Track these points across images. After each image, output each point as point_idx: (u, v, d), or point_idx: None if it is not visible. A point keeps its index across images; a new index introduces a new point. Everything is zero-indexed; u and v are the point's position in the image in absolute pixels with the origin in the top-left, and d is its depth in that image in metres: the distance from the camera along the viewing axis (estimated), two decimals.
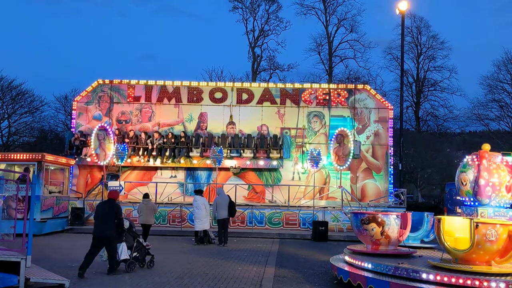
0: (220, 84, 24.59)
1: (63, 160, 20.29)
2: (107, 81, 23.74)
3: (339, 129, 21.55)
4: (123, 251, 9.93)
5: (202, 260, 11.86)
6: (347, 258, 9.27)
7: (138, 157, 21.99)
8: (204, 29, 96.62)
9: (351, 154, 21.18)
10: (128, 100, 23.46)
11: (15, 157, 18.79)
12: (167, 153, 21.90)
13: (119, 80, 23.72)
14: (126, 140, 21.96)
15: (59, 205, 19.15)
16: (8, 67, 50.81)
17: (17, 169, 18.11)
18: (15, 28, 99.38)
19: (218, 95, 23.39)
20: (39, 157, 18.02)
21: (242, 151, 21.99)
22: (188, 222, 19.48)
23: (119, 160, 20.83)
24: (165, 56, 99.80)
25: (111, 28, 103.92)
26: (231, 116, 23.17)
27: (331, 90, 23.36)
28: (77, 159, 21.97)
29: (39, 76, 55.55)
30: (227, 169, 22.01)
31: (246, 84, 24.79)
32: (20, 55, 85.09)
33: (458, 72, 41.55)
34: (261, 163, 21.91)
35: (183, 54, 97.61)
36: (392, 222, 9.05)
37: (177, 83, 23.55)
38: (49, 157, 18.78)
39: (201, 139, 22.32)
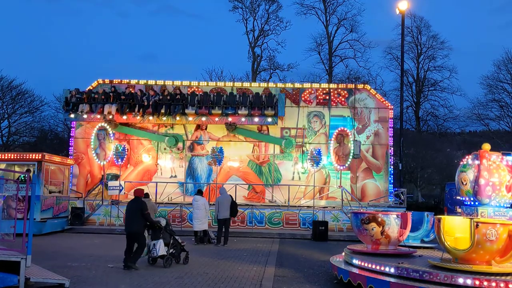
0: (220, 84, 24.59)
1: (63, 159, 20.30)
2: (107, 80, 23.74)
3: (339, 128, 21.55)
4: (161, 248, 10.62)
5: (202, 259, 11.86)
6: (347, 257, 9.27)
7: (133, 114, 21.89)
8: (204, 29, 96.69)
9: (351, 154, 21.19)
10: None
11: (15, 157, 18.78)
12: (163, 110, 21.75)
13: (119, 80, 23.72)
14: (122, 97, 22.03)
15: (59, 205, 19.15)
16: (8, 67, 50.87)
17: (17, 168, 18.11)
18: (15, 28, 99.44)
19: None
20: (39, 157, 18.03)
21: (237, 108, 21.87)
22: (188, 222, 19.49)
23: (119, 160, 20.86)
24: (165, 56, 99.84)
25: (111, 28, 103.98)
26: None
27: (331, 90, 23.35)
28: (73, 116, 22.11)
29: (39, 76, 55.62)
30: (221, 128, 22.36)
31: (246, 84, 24.83)
32: (20, 55, 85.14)
33: (458, 72, 41.59)
34: (256, 120, 21.89)
35: (183, 54, 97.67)
36: (392, 222, 9.05)
37: (177, 82, 23.54)
38: (49, 157, 18.79)
39: (196, 97, 22.18)
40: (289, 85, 24.30)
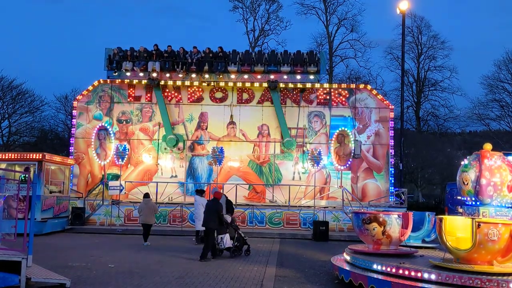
0: (221, 83, 24.56)
1: (63, 159, 20.32)
2: (107, 80, 23.71)
3: (340, 129, 21.53)
4: (227, 241, 12.35)
5: (203, 260, 11.83)
6: (348, 258, 9.26)
7: (177, 71, 22.25)
8: (204, 29, 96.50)
9: (352, 154, 21.16)
10: (128, 99, 23.43)
11: (15, 157, 18.78)
12: (206, 67, 22.03)
13: (120, 80, 23.69)
14: (165, 55, 22.32)
15: (59, 205, 19.16)
16: (8, 67, 50.75)
17: (17, 168, 18.11)
18: (15, 28, 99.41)
19: (219, 95, 23.35)
20: (40, 157, 18.03)
21: (279, 66, 22.13)
22: (188, 221, 19.48)
23: (120, 160, 20.86)
24: None
25: (114, 28, 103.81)
26: (231, 116, 23.14)
27: (332, 90, 23.32)
28: (116, 74, 22.63)
29: (39, 76, 55.51)
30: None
31: (246, 84, 24.75)
32: (21, 55, 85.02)
33: (458, 72, 41.55)
34: (298, 77, 22.30)
35: None
36: (393, 222, 9.04)
37: (177, 83, 23.50)
38: (50, 157, 18.79)
39: (238, 55, 22.61)
40: (290, 85, 24.25)
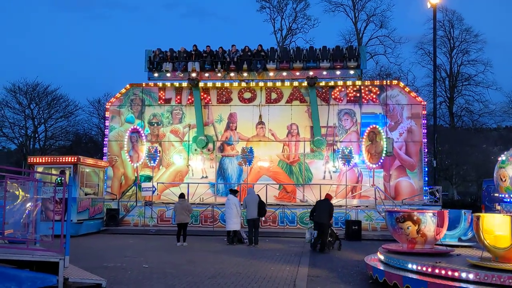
0: (249, 84, 24.60)
1: (98, 162, 20.76)
2: (138, 84, 24.10)
3: (371, 126, 21.21)
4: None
5: (235, 260, 11.88)
6: (382, 257, 9.11)
7: (216, 70, 22.38)
8: (232, 30, 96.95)
9: (384, 152, 20.82)
10: (159, 102, 23.75)
11: (51, 161, 19.29)
12: (245, 66, 22.10)
13: (148, 83, 24.05)
14: (204, 55, 22.54)
15: (94, 207, 19.57)
16: (44, 73, 52.24)
17: (53, 172, 18.59)
18: (48, 36, 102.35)
19: (247, 95, 23.39)
20: (75, 160, 18.47)
21: (318, 61, 22.00)
22: (220, 222, 19.57)
23: (152, 162, 21.18)
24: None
25: (142, 33, 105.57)
26: (260, 116, 23.15)
27: (362, 87, 23.03)
28: (156, 75, 22.96)
29: (72, 81, 56.95)
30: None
31: (277, 84, 24.67)
32: (54, 62, 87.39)
33: (493, 66, 40.30)
34: (338, 73, 22.07)
35: None
36: (428, 220, 8.84)
37: (207, 84, 23.67)
38: (84, 160, 19.23)
39: (276, 53, 22.64)
40: (330, 83, 23.96)
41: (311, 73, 21.91)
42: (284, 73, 22.39)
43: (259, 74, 22.29)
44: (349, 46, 22.68)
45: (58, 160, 19.17)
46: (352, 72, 21.99)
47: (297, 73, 22.37)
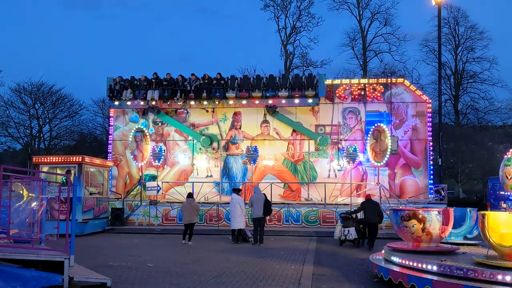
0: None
1: (102, 162, 20.81)
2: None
3: (376, 124, 21.15)
4: (353, 233, 14.66)
5: (240, 258, 11.88)
6: (387, 255, 9.08)
7: (175, 99, 22.16)
8: (236, 29, 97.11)
9: (389, 150, 20.75)
10: None
11: (56, 160, 19.37)
12: (204, 94, 21.93)
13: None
14: (164, 83, 22.38)
15: (99, 206, 19.64)
16: (48, 73, 52.39)
17: (59, 171, 18.66)
18: (54, 35, 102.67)
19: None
20: (79, 160, 18.53)
21: (277, 90, 21.83)
22: (225, 221, 19.59)
23: (157, 161, 21.24)
24: (199, 58, 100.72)
25: (148, 32, 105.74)
26: (264, 115, 23.12)
27: (366, 85, 22.96)
28: (117, 103, 22.70)
29: (77, 81, 57.10)
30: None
31: None
32: (59, 61, 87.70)
33: (498, 63, 40.08)
34: (297, 101, 21.76)
35: (216, 55, 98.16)
36: (433, 219, 8.80)
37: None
38: (89, 160, 19.29)
39: (236, 80, 22.42)
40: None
41: (270, 101, 21.72)
42: (244, 101, 22.00)
43: (219, 102, 22.04)
44: (309, 74, 22.39)
45: (63, 160, 19.24)
46: (310, 100, 21.58)
47: (257, 102, 21.94)
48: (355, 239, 14.80)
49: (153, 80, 22.63)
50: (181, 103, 22.20)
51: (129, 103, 22.63)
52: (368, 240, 14.50)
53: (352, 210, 16.16)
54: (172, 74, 22.67)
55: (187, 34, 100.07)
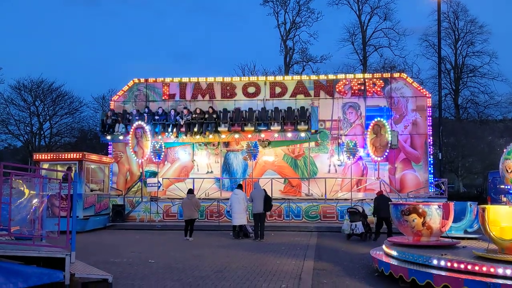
0: (253, 78, 24.61)
1: (102, 158, 20.83)
2: (142, 79, 24.15)
3: (376, 119, 21.15)
4: (360, 227, 15.09)
5: (241, 254, 11.91)
6: (388, 250, 9.10)
7: (167, 134, 21.91)
8: (236, 24, 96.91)
9: (389, 145, 20.76)
10: (163, 98, 23.79)
11: (57, 157, 19.38)
12: (196, 129, 21.68)
13: (154, 79, 24.10)
14: (156, 117, 22.20)
15: (100, 203, 19.66)
16: (48, 70, 52.41)
17: (59, 168, 18.67)
18: (54, 32, 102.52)
19: (251, 89, 23.37)
20: (80, 157, 18.54)
21: (270, 124, 21.58)
22: (225, 216, 19.61)
23: (157, 157, 21.26)
24: (200, 53, 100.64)
25: (148, 29, 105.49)
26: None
27: (366, 80, 22.95)
28: (109, 138, 22.50)
29: (77, 78, 57.10)
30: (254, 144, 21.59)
31: (279, 78, 24.72)
32: (59, 58, 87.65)
33: (498, 57, 40.04)
34: (289, 135, 21.45)
35: (216, 51, 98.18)
36: (433, 213, 8.81)
37: (210, 79, 23.69)
38: (90, 156, 19.30)
39: (228, 114, 22.20)
40: (322, 76, 24.03)
41: (262, 135, 21.47)
42: (236, 135, 21.69)
43: (212, 136, 21.80)
44: (301, 107, 21.91)
45: (63, 157, 19.25)
46: (303, 134, 21.24)
47: (249, 136, 21.53)
48: (362, 233, 15.13)
49: (145, 114, 22.34)
50: (173, 137, 21.98)
51: (121, 137, 22.20)
52: (387, 234, 14.64)
53: (356, 206, 16.66)
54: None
55: (186, 31, 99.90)
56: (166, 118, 22.29)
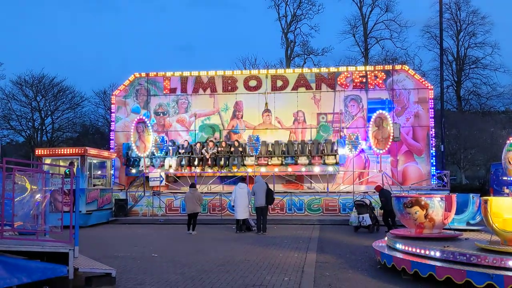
0: (254, 72, 24.54)
1: (105, 153, 20.85)
2: (143, 74, 24.11)
3: (378, 112, 21.09)
4: (367, 219, 15.34)
5: (244, 247, 11.94)
6: (390, 242, 9.11)
7: (194, 167, 21.50)
8: (237, 17, 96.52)
9: (391, 137, 20.73)
10: (164, 92, 23.76)
11: (59, 152, 19.40)
12: (222, 162, 21.23)
13: (155, 73, 24.06)
14: (181, 151, 21.78)
15: (103, 197, 19.71)
16: (49, 65, 52.38)
17: (61, 163, 18.70)
18: (54, 26, 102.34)
19: (253, 83, 23.33)
20: (82, 152, 18.56)
21: (296, 158, 21.14)
22: (228, 210, 19.64)
23: (159, 151, 21.26)
24: (201, 46, 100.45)
25: (150, 23, 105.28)
26: (266, 104, 23.10)
27: (368, 72, 22.88)
28: (134, 171, 21.99)
29: (78, 72, 57.06)
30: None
31: (280, 71, 24.64)
32: (59, 53, 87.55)
33: (501, 48, 39.83)
34: (317, 169, 21.05)
35: (218, 44, 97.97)
36: (436, 205, 8.80)
37: (211, 73, 23.64)
38: (92, 151, 19.32)
39: (281, 146, 21.68)
40: (324, 69, 23.97)
41: (289, 169, 21.17)
42: (263, 169, 20.96)
43: (238, 169, 21.32)
44: (328, 141, 21.71)
45: (65, 152, 19.27)
46: (331, 168, 20.85)
47: (276, 169, 20.98)
48: (369, 225, 15.35)
49: (170, 148, 21.98)
50: (198, 170, 21.42)
51: (147, 171, 21.48)
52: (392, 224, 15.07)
53: (364, 198, 16.72)
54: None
55: (187, 24, 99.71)
56: (192, 151, 21.80)
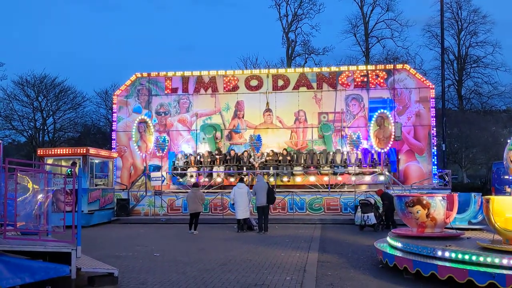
0: (255, 71, 24.57)
1: (106, 153, 20.88)
2: (144, 74, 24.15)
3: (379, 111, 21.08)
4: (372, 218, 15.48)
5: (245, 247, 11.95)
6: (392, 241, 9.11)
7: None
8: (239, 16, 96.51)
9: (392, 136, 20.71)
10: (166, 92, 23.80)
11: (61, 152, 19.42)
12: (270, 171, 20.94)
13: (156, 73, 24.10)
14: (228, 158, 21.60)
15: (105, 197, 19.72)
16: (50, 65, 52.39)
17: (63, 163, 18.73)
18: (55, 27, 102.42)
19: (254, 82, 23.35)
20: (84, 151, 18.59)
21: (345, 167, 20.92)
22: (229, 210, 19.65)
23: (160, 151, 21.28)
24: (202, 46, 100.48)
25: (150, 22, 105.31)
26: (267, 103, 23.12)
27: (369, 72, 22.88)
28: (181, 180, 21.87)
29: (79, 72, 57.10)
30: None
31: (281, 70, 24.66)
32: (61, 53, 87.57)
33: (502, 47, 39.78)
34: (367, 178, 20.81)
35: (219, 43, 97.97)
36: (438, 204, 8.80)
37: (212, 72, 23.67)
38: (93, 151, 19.34)
39: (302, 156, 21.65)
40: (325, 69, 23.98)
41: (339, 178, 20.82)
42: (312, 178, 20.91)
43: (287, 179, 20.89)
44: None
45: (67, 152, 19.30)
46: (382, 177, 20.39)
47: (325, 178, 20.70)
48: (374, 224, 15.49)
49: (217, 156, 21.83)
50: (249, 179, 20.84)
51: (193, 180, 21.01)
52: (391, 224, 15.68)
53: (368, 198, 16.98)
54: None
55: (188, 23, 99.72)
56: (239, 160, 21.60)
